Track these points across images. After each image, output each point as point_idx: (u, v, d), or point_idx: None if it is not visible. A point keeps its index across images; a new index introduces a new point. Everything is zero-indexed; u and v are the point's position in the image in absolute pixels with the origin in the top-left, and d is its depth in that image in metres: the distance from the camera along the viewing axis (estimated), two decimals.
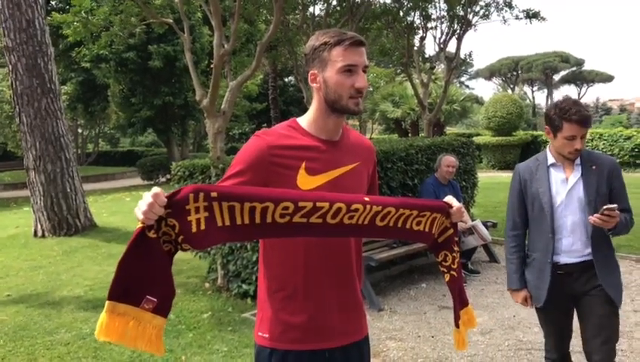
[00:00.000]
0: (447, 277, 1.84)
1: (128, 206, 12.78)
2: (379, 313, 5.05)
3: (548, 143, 11.68)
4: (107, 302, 1.41)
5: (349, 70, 1.69)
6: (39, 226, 9.24)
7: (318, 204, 1.55)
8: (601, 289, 2.61)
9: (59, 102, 9.44)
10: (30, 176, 9.24)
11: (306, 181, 1.72)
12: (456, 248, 1.82)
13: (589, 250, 2.64)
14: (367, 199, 1.64)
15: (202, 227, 1.46)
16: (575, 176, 2.65)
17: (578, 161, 2.65)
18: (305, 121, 1.81)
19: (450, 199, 1.82)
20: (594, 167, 2.63)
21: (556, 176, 2.69)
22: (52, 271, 6.94)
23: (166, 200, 1.41)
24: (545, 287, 2.69)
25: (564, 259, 2.67)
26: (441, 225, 1.79)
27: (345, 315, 1.85)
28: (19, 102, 9.10)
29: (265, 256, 1.86)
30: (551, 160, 2.70)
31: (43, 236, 9.16)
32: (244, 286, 5.38)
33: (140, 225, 1.41)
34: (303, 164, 1.72)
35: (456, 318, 1.86)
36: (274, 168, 1.69)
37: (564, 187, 2.66)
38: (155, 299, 1.44)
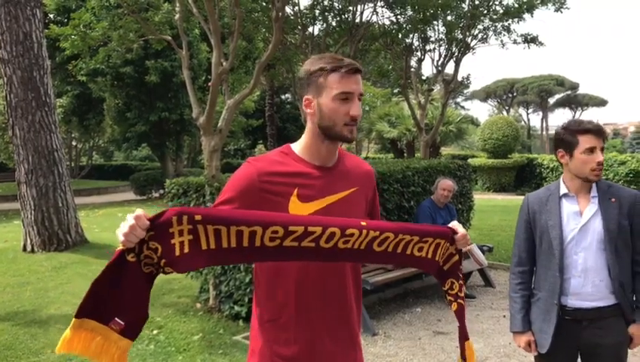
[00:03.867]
0: (454, 306, 1.78)
1: (120, 221, 12.60)
2: (373, 337, 4.96)
3: (543, 166, 11.73)
4: (74, 320, 1.42)
5: (344, 98, 1.66)
6: (29, 241, 9.09)
7: (310, 229, 1.52)
8: (612, 347, 2.36)
9: (53, 116, 9.36)
10: (21, 190, 9.12)
11: (297, 208, 1.67)
12: (461, 275, 1.77)
13: (605, 295, 2.35)
14: (363, 224, 1.60)
15: (186, 250, 1.45)
16: (591, 209, 2.37)
17: (594, 192, 2.39)
18: (298, 146, 1.77)
19: (455, 225, 1.77)
20: (613, 200, 2.36)
21: (569, 208, 2.41)
22: (40, 288, 6.80)
23: (148, 223, 1.40)
24: (550, 332, 2.39)
25: (572, 301, 2.38)
26: (446, 251, 1.74)
27: (339, 347, 1.78)
28: (12, 115, 9.02)
29: (257, 284, 1.79)
30: (564, 190, 2.43)
31: (32, 251, 9.01)
32: (237, 308, 5.28)
33: (120, 246, 1.41)
34: (295, 191, 1.67)
35: (463, 349, 1.81)
36: (264, 195, 1.65)
37: (577, 221, 2.38)
38: (123, 323, 1.44)
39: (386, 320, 5.46)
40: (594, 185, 2.41)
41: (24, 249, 9.12)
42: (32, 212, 9.03)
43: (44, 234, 9.04)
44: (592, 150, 2.32)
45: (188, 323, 5.33)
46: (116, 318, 1.43)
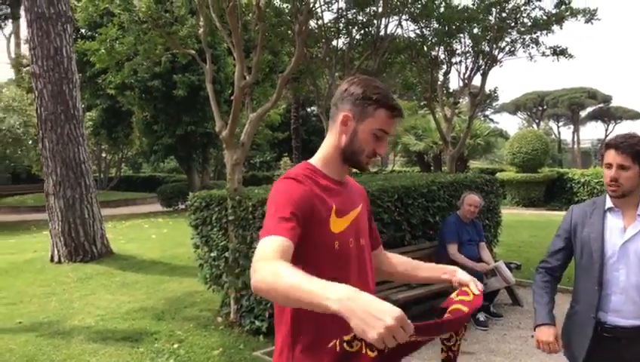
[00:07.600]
0: (443, 356, 1.72)
1: (146, 233, 12.76)
2: None
3: (574, 181, 11.36)
4: None
5: (380, 135, 1.71)
6: (56, 251, 9.23)
7: None
8: None
9: (81, 129, 9.52)
10: (49, 201, 9.28)
11: (336, 223, 1.69)
12: (463, 330, 1.72)
13: None
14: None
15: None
16: (636, 226, 2.31)
17: None
18: (320, 163, 1.78)
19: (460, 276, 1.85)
20: None
21: (613, 222, 2.36)
22: (65, 299, 6.87)
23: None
24: (585, 346, 2.36)
25: (612, 318, 2.33)
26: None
27: None
28: (42, 128, 9.21)
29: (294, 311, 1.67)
30: (609, 204, 2.39)
31: (59, 262, 9.14)
32: (257, 323, 5.22)
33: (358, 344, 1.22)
34: (334, 207, 1.69)
35: None
36: (316, 210, 1.64)
37: (621, 237, 2.32)
38: None
39: None
40: None
41: (51, 259, 9.26)
42: (60, 223, 9.17)
43: (70, 245, 9.16)
44: (608, 166, 2.31)
45: (208, 337, 5.29)
46: None
